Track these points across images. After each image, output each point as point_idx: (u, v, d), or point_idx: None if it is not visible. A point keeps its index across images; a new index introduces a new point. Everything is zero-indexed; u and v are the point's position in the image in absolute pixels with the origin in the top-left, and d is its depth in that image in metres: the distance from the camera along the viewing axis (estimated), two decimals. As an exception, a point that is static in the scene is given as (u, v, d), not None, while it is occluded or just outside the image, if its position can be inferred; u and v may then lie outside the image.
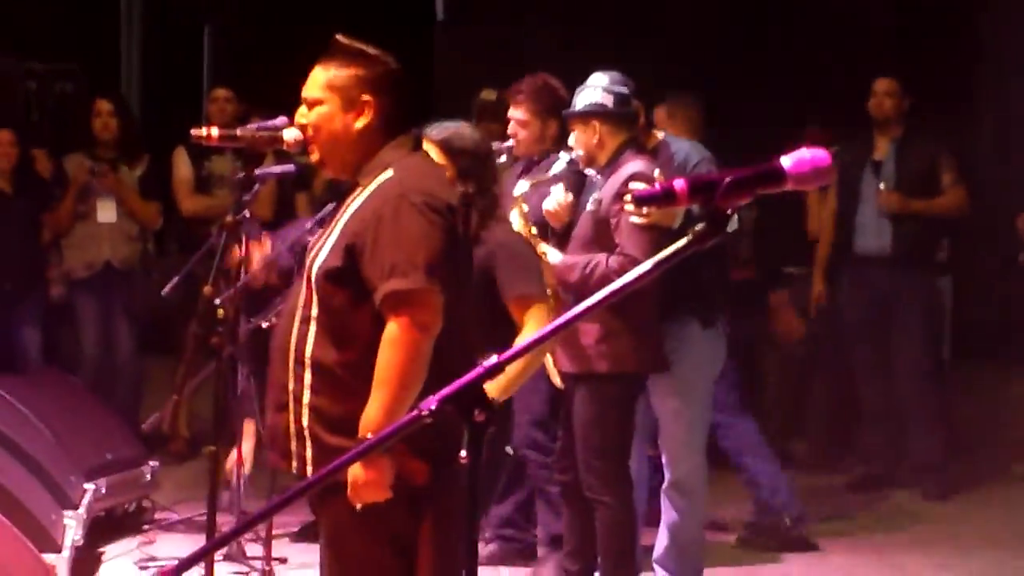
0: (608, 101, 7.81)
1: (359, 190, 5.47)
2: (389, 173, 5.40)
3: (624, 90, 7.85)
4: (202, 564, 6.24)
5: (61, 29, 16.11)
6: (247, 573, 8.67)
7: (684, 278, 7.41)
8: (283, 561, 8.69)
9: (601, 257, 7.50)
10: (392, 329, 5.17)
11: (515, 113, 8.44)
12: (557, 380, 7.88)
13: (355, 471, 5.07)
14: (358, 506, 5.18)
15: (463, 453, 3.36)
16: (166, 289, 9.20)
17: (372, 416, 5.10)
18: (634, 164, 7.57)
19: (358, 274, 5.29)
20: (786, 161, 3.19)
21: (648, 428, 8.34)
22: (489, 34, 13.46)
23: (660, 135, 8.23)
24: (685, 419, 8.20)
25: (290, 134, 5.84)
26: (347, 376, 5.32)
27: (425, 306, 5.19)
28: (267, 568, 8.56)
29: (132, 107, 14.24)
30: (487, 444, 6.51)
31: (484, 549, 9.04)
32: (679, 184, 3.28)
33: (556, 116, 8.39)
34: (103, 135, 11.76)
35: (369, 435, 4.99)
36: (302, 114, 5.59)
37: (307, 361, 5.39)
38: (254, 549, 8.85)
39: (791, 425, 12.60)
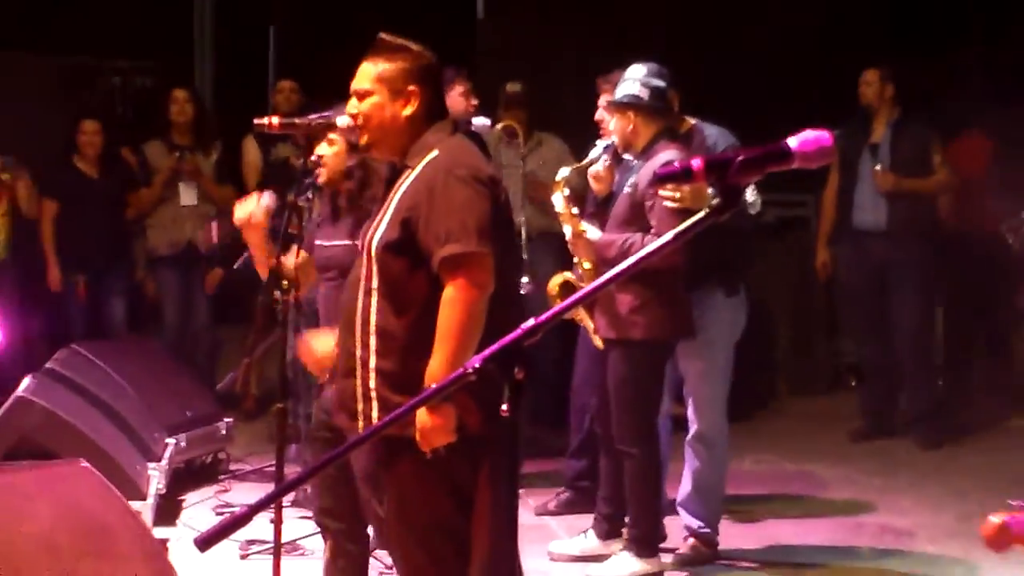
0: (644, 94, 7.80)
1: (408, 172, 5.53)
2: (435, 153, 5.51)
3: (660, 83, 7.84)
4: (271, 509, 6.26)
5: (141, 30, 16.17)
6: (312, 517, 8.70)
7: (710, 251, 7.43)
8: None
9: (637, 236, 7.53)
10: (450, 290, 5.28)
11: (604, 101, 8.37)
12: (599, 343, 7.92)
13: (423, 418, 5.17)
14: (427, 452, 5.26)
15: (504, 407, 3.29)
16: (237, 263, 9.26)
17: (436, 368, 5.22)
18: (667, 153, 7.56)
19: (415, 244, 5.38)
20: (792, 141, 3.19)
21: (673, 386, 8.41)
22: (526, 31, 13.40)
23: (692, 121, 8.20)
24: (710, 378, 8.29)
25: (342, 121, 5.88)
26: (408, 338, 5.42)
27: (479, 267, 5.30)
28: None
29: (205, 100, 14.34)
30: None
31: (558, 498, 9.36)
32: (696, 163, 3.29)
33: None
34: (179, 119, 11.79)
35: (434, 386, 4.98)
36: (353, 105, 5.66)
37: (372, 329, 5.49)
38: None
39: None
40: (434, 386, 4.95)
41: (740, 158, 3.23)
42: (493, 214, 5.42)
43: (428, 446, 5.26)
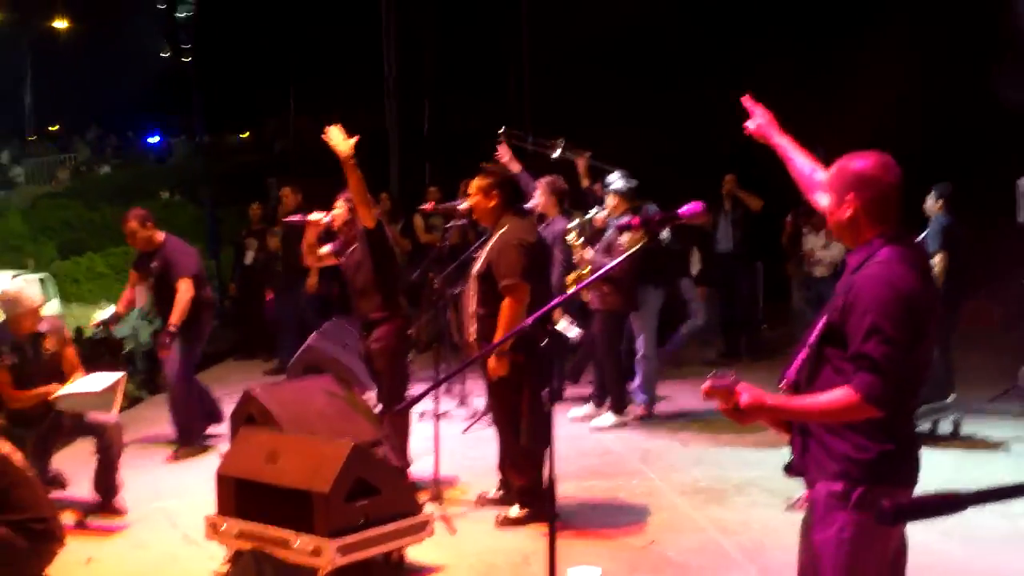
0: (625, 188, 7.85)
1: (495, 235, 5.70)
2: (505, 227, 5.66)
3: (633, 182, 7.90)
4: (432, 396, 6.27)
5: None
6: (457, 395, 8.66)
7: (646, 264, 7.62)
8: (468, 394, 8.66)
9: (608, 260, 7.41)
10: (506, 301, 5.48)
11: (537, 195, 7.99)
12: (591, 307, 7.95)
13: (491, 364, 5.50)
14: (493, 378, 5.58)
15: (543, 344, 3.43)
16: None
17: (497, 338, 5.38)
18: (625, 217, 7.54)
19: (493, 274, 5.55)
20: (682, 208, 3.28)
21: (628, 334, 8.33)
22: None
23: (641, 203, 8.04)
24: (647, 329, 8.25)
25: (463, 207, 5.95)
26: (488, 319, 5.55)
27: (520, 291, 5.48)
28: (463, 395, 8.57)
29: (394, 196, 14.36)
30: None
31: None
32: (634, 221, 3.43)
33: (560, 198, 8.08)
34: (382, 208, 11.61)
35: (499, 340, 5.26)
36: (469, 199, 5.86)
37: (473, 314, 5.68)
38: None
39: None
40: (499, 340, 5.28)
41: (657, 218, 3.40)
42: (529, 262, 5.54)
43: (494, 376, 5.54)
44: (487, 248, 5.67)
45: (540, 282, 5.67)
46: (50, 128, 34.67)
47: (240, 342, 11.82)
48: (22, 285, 6.20)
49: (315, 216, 6.33)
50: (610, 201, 7.90)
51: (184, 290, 7.25)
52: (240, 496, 4.84)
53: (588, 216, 8.00)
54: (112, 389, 5.95)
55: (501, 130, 7.94)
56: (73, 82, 31.40)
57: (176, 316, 7.19)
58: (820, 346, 2.97)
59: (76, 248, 15.27)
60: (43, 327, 6.08)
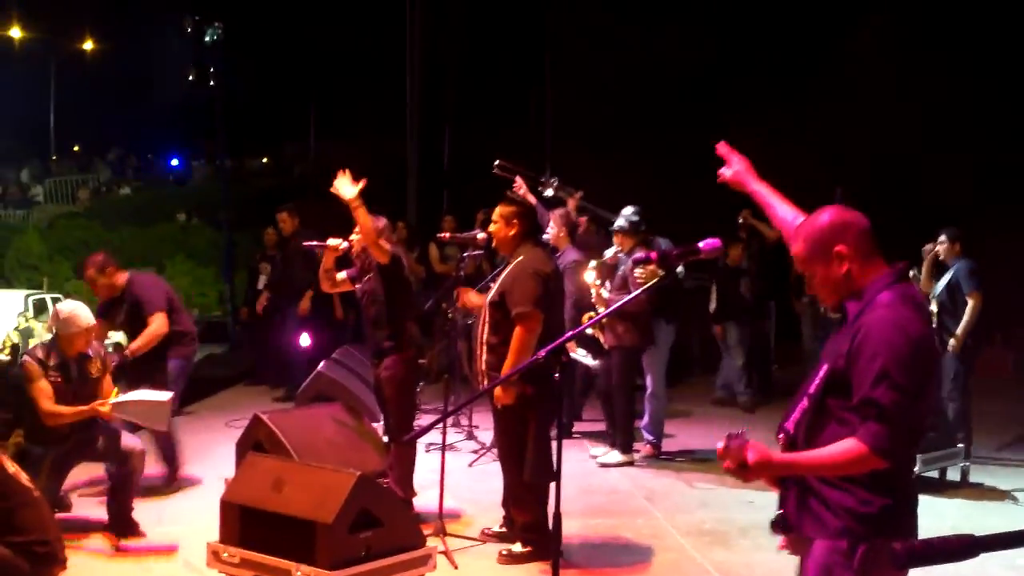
0: (627, 223, 7.84)
1: (511, 264, 5.68)
2: (522, 256, 5.64)
3: (636, 218, 7.87)
4: (439, 427, 6.24)
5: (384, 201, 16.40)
6: (465, 428, 8.66)
7: (659, 300, 7.68)
8: (476, 427, 8.66)
9: (622, 297, 7.40)
10: (518, 329, 5.44)
11: (550, 230, 8.09)
12: (606, 346, 7.85)
13: (497, 392, 5.44)
14: (499, 406, 5.55)
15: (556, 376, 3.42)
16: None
17: (507, 366, 5.38)
18: (638, 253, 7.50)
19: (506, 303, 5.51)
20: (701, 244, 3.24)
21: (639, 370, 8.30)
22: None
23: (655, 237, 8.01)
24: (657, 364, 8.22)
25: (481, 236, 5.93)
26: (500, 348, 5.52)
27: (532, 319, 5.44)
28: (470, 428, 8.56)
29: (412, 223, 14.39)
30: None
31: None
32: (652, 255, 3.39)
33: (571, 230, 8.22)
34: (400, 236, 11.64)
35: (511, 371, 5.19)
36: (491, 227, 5.84)
37: (485, 342, 5.61)
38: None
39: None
40: (511, 370, 5.32)
41: (674, 252, 3.32)
42: (543, 292, 5.51)
43: (499, 403, 5.50)
44: (502, 276, 5.67)
45: (553, 313, 5.65)
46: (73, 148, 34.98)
47: (250, 368, 11.81)
48: (75, 304, 6.06)
49: (333, 242, 6.29)
50: (616, 240, 7.93)
51: (159, 324, 6.94)
52: (244, 523, 4.84)
53: (605, 256, 7.98)
54: (169, 404, 5.96)
55: (496, 163, 7.95)
56: (96, 103, 31.68)
57: (138, 343, 6.86)
58: (822, 397, 2.91)
59: (92, 268, 15.37)
60: (90, 351, 5.98)
